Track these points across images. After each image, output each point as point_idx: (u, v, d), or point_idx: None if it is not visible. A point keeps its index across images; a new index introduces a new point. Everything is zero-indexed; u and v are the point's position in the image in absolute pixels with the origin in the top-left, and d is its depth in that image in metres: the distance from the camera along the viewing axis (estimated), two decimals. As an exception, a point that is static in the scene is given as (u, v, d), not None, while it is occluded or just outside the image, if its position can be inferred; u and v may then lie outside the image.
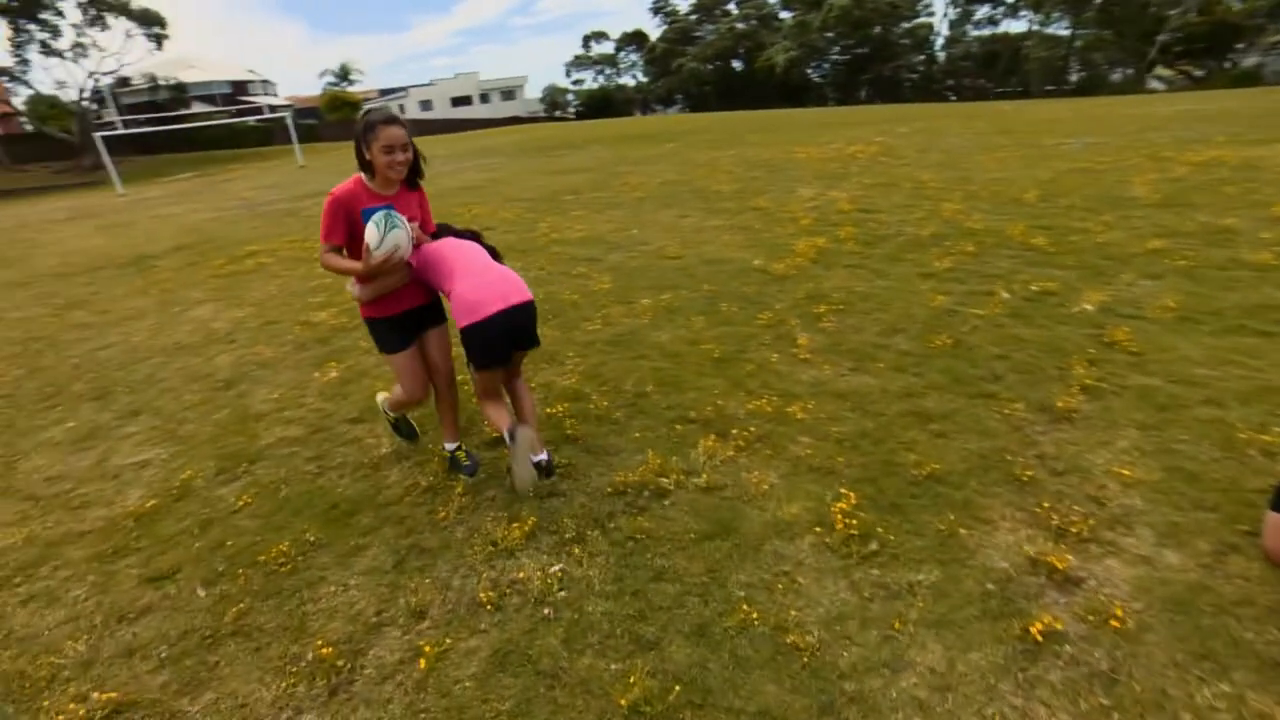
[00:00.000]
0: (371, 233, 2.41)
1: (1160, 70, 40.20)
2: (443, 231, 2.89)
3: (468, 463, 2.93)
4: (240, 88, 52.26)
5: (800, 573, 2.28)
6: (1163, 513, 2.36)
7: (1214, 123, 13.46)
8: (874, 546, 2.33)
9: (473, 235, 2.93)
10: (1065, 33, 43.42)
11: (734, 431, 3.07)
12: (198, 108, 45.46)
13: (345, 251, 2.61)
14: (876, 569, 2.25)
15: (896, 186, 8.57)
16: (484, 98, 61.17)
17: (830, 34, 46.67)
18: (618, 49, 64.00)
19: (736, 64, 54.39)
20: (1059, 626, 1.95)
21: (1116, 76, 41.17)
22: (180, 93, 42.82)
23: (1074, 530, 2.29)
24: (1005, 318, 4.13)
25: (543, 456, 2.71)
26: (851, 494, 2.55)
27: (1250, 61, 36.00)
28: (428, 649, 2.07)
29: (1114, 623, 1.95)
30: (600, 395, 3.58)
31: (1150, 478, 2.54)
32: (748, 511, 2.59)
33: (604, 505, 2.70)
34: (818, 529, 2.44)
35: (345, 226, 2.54)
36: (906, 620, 2.05)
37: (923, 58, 49.10)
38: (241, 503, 2.97)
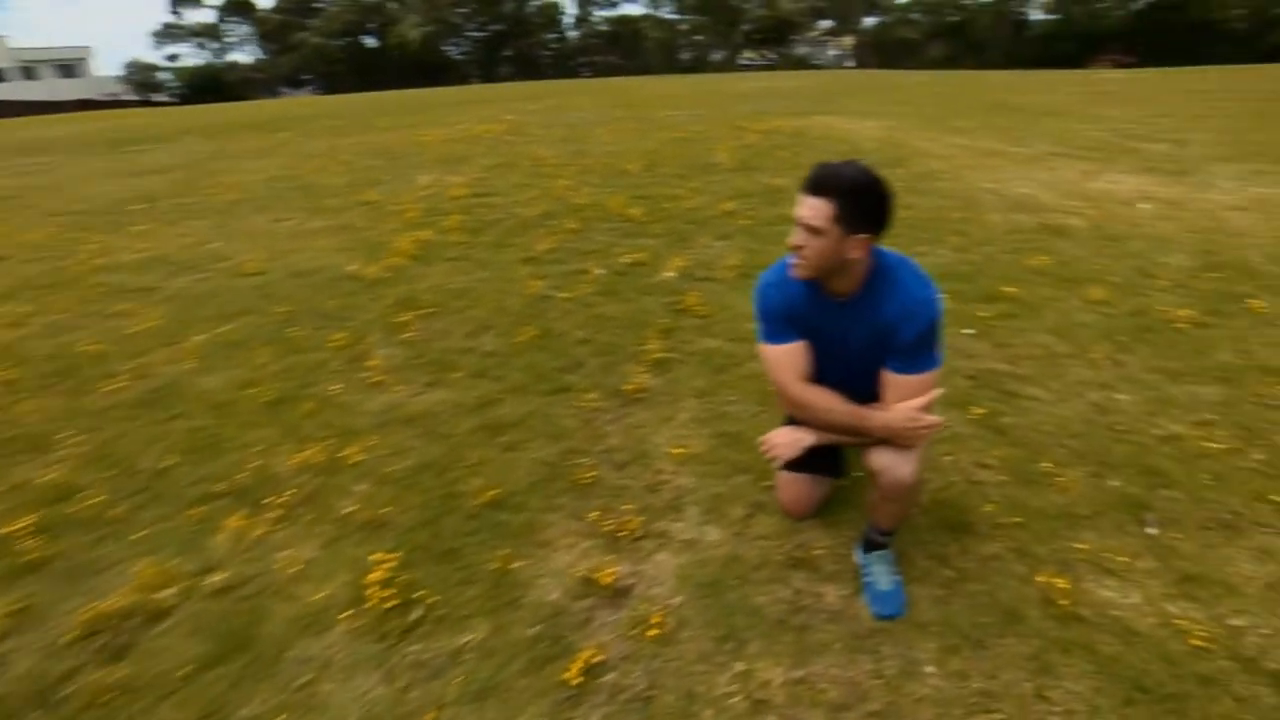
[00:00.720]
0: None
1: (747, 53, 47.68)
2: None
3: None
4: None
5: (327, 677, 1.82)
6: (709, 486, 2.40)
7: (777, 97, 16.08)
8: (416, 615, 1.96)
9: None
10: (674, 17, 48.92)
11: (270, 499, 2.46)
12: None
13: None
14: (418, 643, 1.89)
15: (515, 166, 8.46)
16: (28, 73, 47.30)
17: (463, 9, 45.85)
18: (220, 18, 54.31)
19: (370, 40, 50.55)
20: (601, 658, 1.79)
21: (717, 57, 47.67)
22: None
23: (628, 531, 2.19)
24: (595, 296, 4.12)
25: None
26: (398, 552, 2.16)
27: (803, 50, 44.80)
28: None
29: (654, 630, 1.85)
30: (101, 486, 2.66)
31: (701, 449, 2.59)
32: (273, 608, 2.04)
33: (59, 663, 1.91)
34: (350, 611, 1.99)
35: None
36: (444, 703, 1.72)
37: (556, 35, 51.10)
38: None
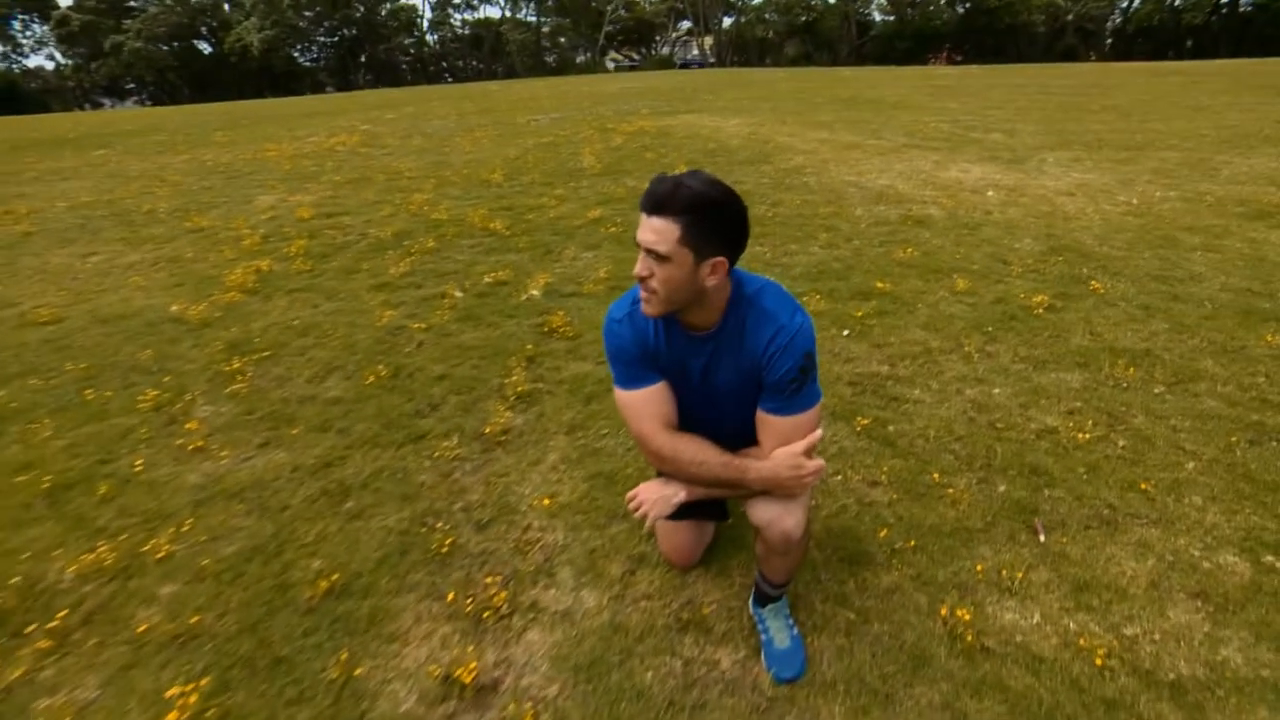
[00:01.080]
0: None
1: (612, 54, 47.96)
2: None
3: None
4: None
5: None
6: (583, 540, 2.13)
7: (643, 98, 16.08)
8: (228, 761, 1.57)
9: None
10: (534, 19, 48.27)
11: (35, 626, 1.95)
12: None
13: None
14: (231, 801, 1.50)
15: (370, 181, 7.84)
16: None
17: (308, 13, 43.01)
18: (10, 15, 46.39)
19: (203, 45, 46.30)
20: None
21: (581, 58, 47.57)
22: None
23: (493, 608, 1.89)
24: (454, 323, 3.75)
25: None
26: (209, 675, 1.74)
27: (665, 50, 45.68)
28: None
29: (527, 734, 1.57)
30: None
31: (572, 497, 2.32)
32: (31, 781, 1.57)
33: None
34: (139, 771, 1.57)
35: None
36: None
37: (414, 39, 49.11)
38: None
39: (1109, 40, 51.01)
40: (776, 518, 1.49)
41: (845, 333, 3.36)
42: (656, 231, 1.28)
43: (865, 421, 2.58)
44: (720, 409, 1.55)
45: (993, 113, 11.61)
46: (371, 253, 5.11)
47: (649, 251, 1.30)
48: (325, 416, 2.90)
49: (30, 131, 17.85)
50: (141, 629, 1.92)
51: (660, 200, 1.27)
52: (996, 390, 2.79)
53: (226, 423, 2.92)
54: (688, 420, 1.58)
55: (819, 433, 1.44)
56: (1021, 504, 2.12)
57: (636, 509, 1.54)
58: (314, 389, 3.17)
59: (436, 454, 2.59)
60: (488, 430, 2.67)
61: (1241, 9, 45.64)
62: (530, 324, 3.68)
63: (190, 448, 2.73)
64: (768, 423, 1.47)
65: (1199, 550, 1.94)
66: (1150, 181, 6.23)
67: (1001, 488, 2.19)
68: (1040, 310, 3.48)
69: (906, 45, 49.22)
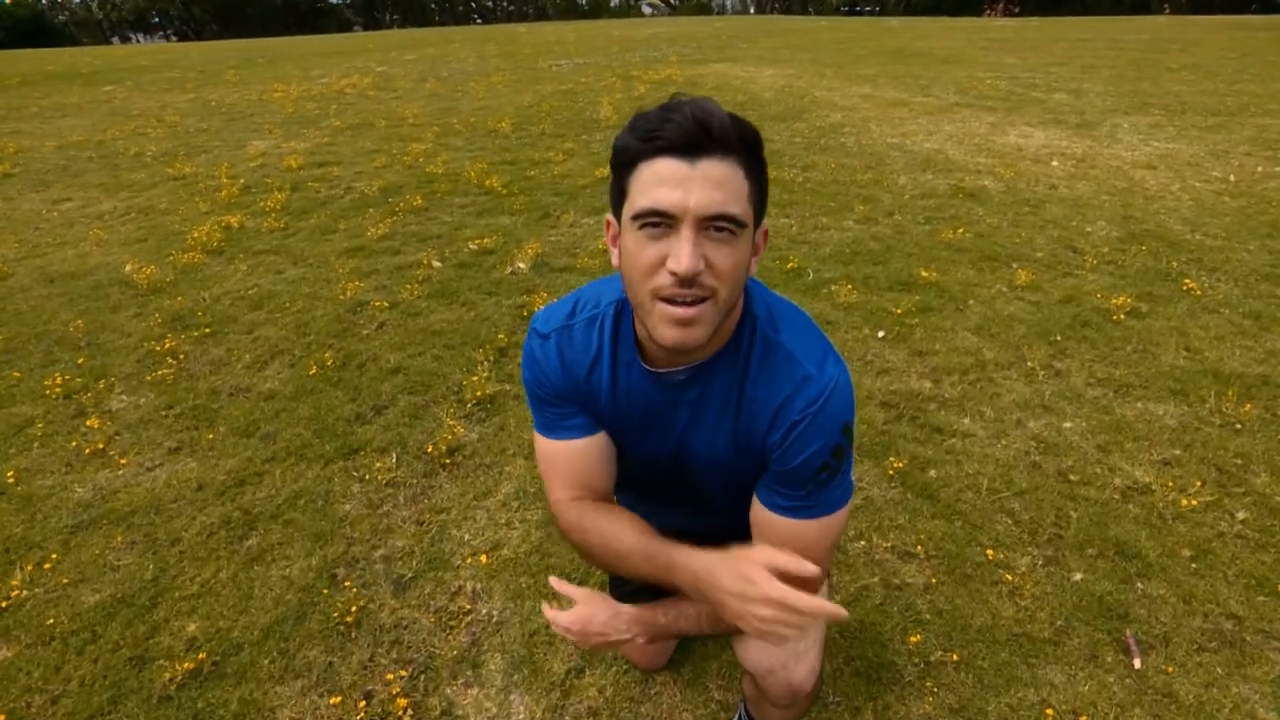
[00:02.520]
0: None
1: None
2: None
3: None
4: None
5: None
6: (523, 616, 1.65)
7: (674, 44, 15.14)
8: None
9: None
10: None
11: None
12: None
13: None
14: None
15: (370, 127, 7.29)
16: None
17: (337, -52, 41.67)
18: None
19: (232, -18, 45.25)
20: None
21: (615, 2, 45.63)
22: None
23: (391, 717, 1.44)
24: (425, 299, 3.26)
25: None
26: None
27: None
28: None
29: None
30: None
31: (519, 549, 1.84)
32: None
33: None
34: None
35: None
36: None
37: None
38: None
39: (1184, -7, 47.33)
40: (778, 666, 0.99)
41: (881, 334, 2.80)
42: (722, 183, 0.71)
43: (900, 463, 2.04)
44: (701, 493, 1.03)
45: (1056, 69, 10.56)
46: (353, 210, 4.61)
47: (709, 222, 0.71)
48: (253, 416, 2.45)
49: (47, 65, 17.48)
50: (-44, 713, 1.50)
51: (717, 130, 0.70)
52: (1068, 424, 2.22)
53: (139, 419, 2.49)
54: (653, 506, 1.08)
55: (814, 568, 0.77)
56: (1106, 603, 1.59)
57: (564, 634, 1.04)
58: (250, 378, 2.71)
59: (368, 476, 2.12)
60: (431, 449, 2.19)
61: (1335, -40, 41.75)
62: (510, 305, 3.18)
63: (88, 450, 2.31)
64: (770, 526, 0.91)
65: (1357, 690, 1.40)
66: (1249, 154, 5.41)
67: (1078, 575, 1.66)
68: (1121, 315, 2.87)
69: (961, -6, 46.28)
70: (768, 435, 0.88)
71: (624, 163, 0.76)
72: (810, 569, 0.76)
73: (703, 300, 0.74)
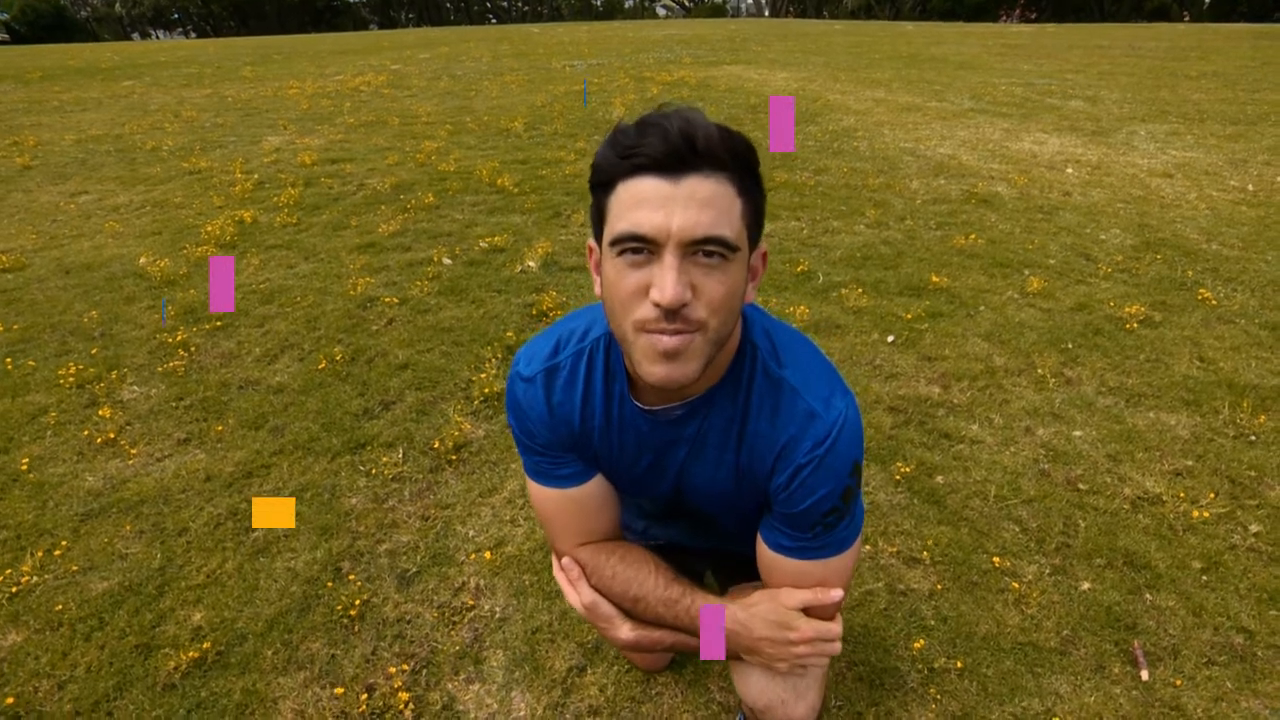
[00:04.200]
0: None
1: (664, 1, 45.98)
2: None
3: None
4: None
5: None
6: (526, 613, 1.66)
7: (688, 45, 15.14)
8: None
9: None
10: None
11: None
12: None
13: None
14: None
15: (384, 125, 7.33)
16: None
17: (355, -53, 41.96)
18: None
19: (251, -21, 45.59)
20: None
21: (630, 3, 45.74)
22: None
23: (391, 712, 1.44)
24: (435, 296, 3.27)
25: None
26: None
27: (719, -1, 43.50)
28: None
29: None
30: None
31: (524, 546, 1.85)
32: None
33: None
34: None
35: None
36: None
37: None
38: None
39: (1206, 1, 46.95)
40: (778, 702, 0.96)
41: (890, 339, 2.78)
42: (709, 203, 0.65)
43: (907, 469, 2.03)
44: (703, 517, 1.00)
45: (1072, 76, 10.49)
46: (365, 207, 4.64)
47: (696, 246, 0.65)
48: (262, 410, 2.47)
49: (68, 60, 17.68)
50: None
51: (702, 144, 0.64)
52: (1078, 433, 2.20)
53: (150, 409, 2.51)
54: (654, 522, 1.08)
55: (839, 592, 0.87)
56: (1114, 613, 1.57)
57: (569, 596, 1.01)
58: (260, 371, 2.73)
59: (375, 470, 2.13)
60: (438, 445, 2.20)
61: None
62: (519, 303, 3.18)
63: (99, 440, 2.33)
64: (778, 567, 0.88)
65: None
66: (1268, 163, 5.35)
67: (1085, 585, 1.65)
68: (1134, 324, 2.84)
69: (976, 0, 46.06)
70: (772, 477, 0.84)
71: (602, 182, 0.70)
72: (834, 596, 0.86)
73: (695, 329, 0.67)
